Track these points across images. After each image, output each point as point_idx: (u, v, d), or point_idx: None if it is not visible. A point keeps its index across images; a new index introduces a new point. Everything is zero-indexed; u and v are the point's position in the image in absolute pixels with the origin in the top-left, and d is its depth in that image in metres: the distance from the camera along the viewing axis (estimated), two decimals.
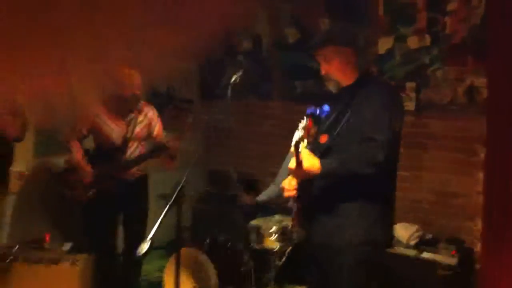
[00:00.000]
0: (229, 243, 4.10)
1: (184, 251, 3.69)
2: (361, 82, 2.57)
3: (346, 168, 2.35)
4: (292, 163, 2.33)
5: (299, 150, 2.22)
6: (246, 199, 4.60)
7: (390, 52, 4.44)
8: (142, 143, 3.87)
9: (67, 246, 3.87)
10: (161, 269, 4.88)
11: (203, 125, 5.89)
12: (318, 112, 2.14)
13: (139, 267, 4.06)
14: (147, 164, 3.89)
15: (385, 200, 2.58)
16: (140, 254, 2.25)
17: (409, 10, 4.31)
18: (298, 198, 2.50)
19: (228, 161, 5.39)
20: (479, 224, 4.02)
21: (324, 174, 2.33)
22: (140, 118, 3.83)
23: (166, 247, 5.27)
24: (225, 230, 4.16)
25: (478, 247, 3.98)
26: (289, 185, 2.54)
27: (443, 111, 4.18)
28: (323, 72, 2.56)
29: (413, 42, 4.34)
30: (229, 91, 2.75)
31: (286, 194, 2.57)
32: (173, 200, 2.46)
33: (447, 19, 4.12)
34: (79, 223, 3.91)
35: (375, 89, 2.53)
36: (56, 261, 3.60)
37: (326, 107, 2.17)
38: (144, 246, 2.26)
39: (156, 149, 3.81)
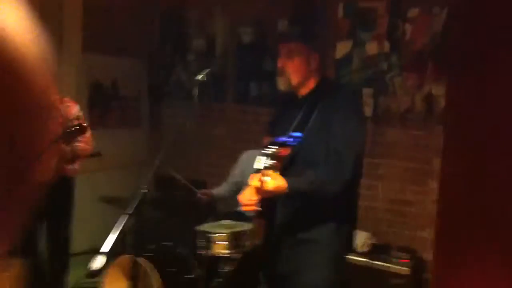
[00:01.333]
0: (176, 249, 3.89)
1: (125, 257, 3.46)
2: (322, 89, 2.46)
3: (314, 188, 2.25)
4: (255, 182, 2.18)
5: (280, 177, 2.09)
6: (201, 195, 4.38)
7: (348, 57, 4.34)
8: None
9: None
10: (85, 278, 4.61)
11: (148, 125, 5.68)
12: (290, 140, 2.00)
13: (64, 273, 3.80)
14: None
15: (350, 214, 2.50)
16: (95, 269, 1.99)
17: (369, 15, 4.23)
18: (261, 214, 2.33)
19: (178, 164, 5.17)
20: (431, 234, 3.97)
21: (291, 194, 2.22)
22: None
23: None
24: (171, 236, 3.94)
25: (430, 257, 3.94)
26: (247, 200, 2.38)
27: (400, 119, 4.11)
28: (280, 64, 2.43)
29: (372, 48, 4.26)
30: (196, 90, 2.56)
31: (245, 209, 2.42)
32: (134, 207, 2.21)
33: (408, 26, 4.06)
34: None
35: (340, 98, 2.43)
36: None
37: (296, 134, 2.03)
38: (99, 261, 2.01)
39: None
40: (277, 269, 2.57)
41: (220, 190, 4.44)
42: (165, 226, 4.14)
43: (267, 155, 2.03)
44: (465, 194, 3.72)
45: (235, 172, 4.47)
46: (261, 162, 2.07)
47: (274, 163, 2.01)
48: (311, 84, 2.46)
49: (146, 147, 5.48)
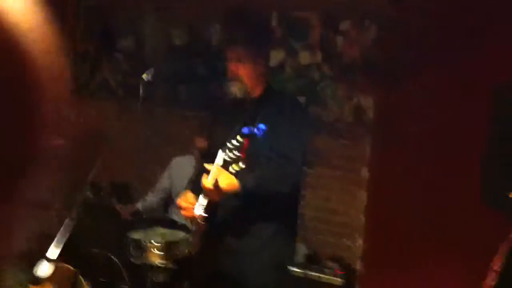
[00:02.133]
0: (104, 257, 3.76)
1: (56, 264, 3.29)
2: (268, 94, 2.48)
3: (263, 187, 2.24)
4: (208, 182, 2.13)
5: (230, 171, 2.03)
6: (123, 211, 4.28)
7: (281, 65, 4.39)
8: None
9: None
10: (22, 284, 4.38)
11: (72, 127, 5.45)
12: (256, 131, 1.97)
13: None
14: None
15: (292, 222, 2.52)
16: (42, 275, 1.89)
17: (302, 25, 4.30)
18: (205, 218, 2.29)
19: (103, 168, 5.00)
20: (358, 242, 4.10)
21: (241, 193, 2.19)
22: None
23: (24, 258, 4.76)
24: (100, 243, 3.81)
25: (358, 265, 4.05)
26: (186, 203, 2.34)
27: (330, 128, 4.21)
28: (231, 70, 2.44)
29: (304, 58, 4.33)
30: (140, 90, 2.48)
31: (184, 213, 2.38)
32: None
33: (339, 38, 4.17)
34: None
35: (286, 103, 2.46)
36: None
37: (262, 126, 2.01)
38: (46, 267, 1.90)
39: None
40: (216, 280, 2.53)
41: (145, 203, 4.37)
42: (95, 233, 3.99)
43: (230, 148, 1.99)
44: (392, 203, 3.88)
45: (163, 179, 4.40)
46: (220, 156, 2.02)
47: (238, 155, 1.97)
48: (257, 91, 2.49)
49: (66, 150, 5.26)
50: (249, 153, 2.04)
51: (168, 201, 4.41)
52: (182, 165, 4.29)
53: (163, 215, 4.48)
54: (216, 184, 2.10)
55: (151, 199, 4.33)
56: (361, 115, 4.12)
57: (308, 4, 4.26)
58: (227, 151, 2.00)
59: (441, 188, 3.71)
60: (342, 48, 4.17)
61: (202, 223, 2.30)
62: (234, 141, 1.99)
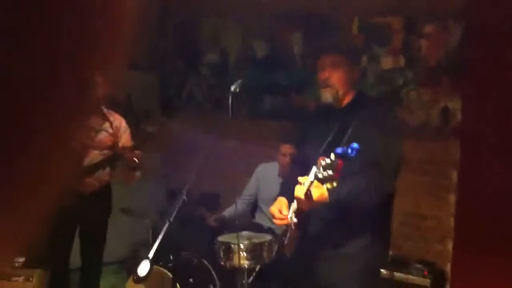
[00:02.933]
0: (195, 261, 3.90)
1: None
2: (360, 101, 2.49)
3: (353, 197, 2.22)
4: (300, 193, 2.17)
5: (326, 188, 2.05)
6: (209, 219, 4.43)
7: (363, 72, 4.39)
8: (105, 152, 3.63)
9: (20, 260, 3.56)
10: (115, 285, 4.63)
11: (163, 139, 5.72)
12: (349, 152, 1.98)
13: (97, 282, 3.79)
14: (109, 177, 3.68)
15: (384, 227, 2.52)
16: (142, 275, 2.03)
17: (384, 30, 4.30)
18: (297, 225, 2.34)
19: (190, 179, 5.19)
20: (449, 246, 4.00)
21: (332, 203, 2.20)
22: (105, 125, 3.60)
23: (119, 263, 5.03)
24: (190, 247, 3.95)
25: (448, 268, 3.96)
26: (279, 213, 2.40)
27: (416, 133, 4.15)
28: (324, 76, 2.45)
29: (386, 63, 4.32)
30: (229, 101, 2.58)
31: (277, 222, 2.43)
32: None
33: (423, 41, 4.12)
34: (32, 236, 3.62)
35: (377, 110, 2.45)
36: (8, 277, 3.31)
37: (355, 145, 1.98)
38: (146, 267, 2.04)
39: (112, 159, 3.57)
40: (309, 283, 2.55)
41: (231, 209, 4.48)
42: (184, 238, 4.14)
43: (324, 166, 1.99)
44: (482, 207, 3.76)
45: (250, 185, 4.51)
46: (313, 172, 2.02)
47: (332, 174, 1.97)
48: (349, 97, 2.48)
49: (158, 161, 5.51)
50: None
51: (255, 206, 4.52)
52: (268, 171, 4.39)
53: (250, 220, 4.58)
54: (308, 195, 2.13)
55: (238, 205, 4.43)
56: (448, 118, 4.04)
57: (389, 8, 4.25)
58: (321, 169, 1.99)
59: None
60: (426, 52, 4.12)
61: (293, 228, 2.34)
62: (328, 160, 1.97)
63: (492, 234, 3.73)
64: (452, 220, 3.96)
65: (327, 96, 2.46)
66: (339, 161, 1.93)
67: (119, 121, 3.67)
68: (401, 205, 4.19)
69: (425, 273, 3.66)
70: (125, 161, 3.51)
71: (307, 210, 2.27)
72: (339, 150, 1.94)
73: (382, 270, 3.73)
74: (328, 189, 2.02)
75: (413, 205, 4.20)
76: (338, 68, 2.43)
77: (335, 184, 1.97)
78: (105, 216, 3.73)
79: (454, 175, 3.97)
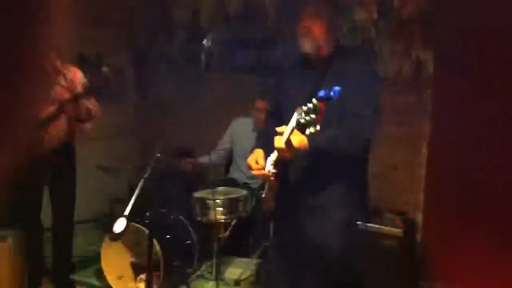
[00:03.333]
0: (172, 216, 3.93)
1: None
2: (337, 52, 2.46)
3: (333, 146, 2.22)
4: (280, 143, 2.15)
5: (305, 133, 2.03)
6: (182, 162, 4.41)
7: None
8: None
9: None
10: (93, 243, 4.65)
11: (134, 96, 5.65)
12: (332, 94, 1.94)
13: (70, 241, 3.78)
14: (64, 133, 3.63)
15: (364, 179, 2.54)
16: (117, 232, 2.02)
17: None
18: (276, 176, 2.33)
19: (164, 135, 5.17)
20: (420, 196, 4.09)
21: (311, 151, 2.19)
22: (58, 78, 3.45)
23: (97, 221, 5.03)
24: (167, 204, 3.97)
25: (419, 218, 4.05)
26: (255, 163, 2.39)
27: (389, 85, 4.17)
28: (305, 26, 2.40)
29: (359, 14, 4.29)
30: (202, 57, 2.52)
31: (255, 173, 2.42)
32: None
33: None
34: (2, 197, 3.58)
35: (356, 60, 2.43)
36: None
37: (337, 88, 1.96)
38: (121, 224, 2.04)
39: (62, 108, 3.43)
40: (287, 235, 2.58)
41: (206, 158, 4.47)
42: (159, 193, 4.17)
43: (306, 111, 1.97)
44: (454, 157, 3.83)
45: (225, 138, 4.51)
46: (295, 118, 2.00)
47: (315, 117, 1.95)
48: (329, 47, 2.45)
49: (132, 117, 5.46)
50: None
51: (229, 160, 4.53)
52: (243, 126, 4.39)
53: (225, 174, 4.61)
54: (289, 143, 2.12)
55: (212, 155, 4.43)
56: (421, 69, 4.06)
57: None
58: (302, 114, 1.97)
59: (504, 141, 3.63)
60: (398, 3, 4.10)
61: (272, 179, 2.34)
62: (310, 105, 1.95)
63: (462, 184, 3.81)
64: (423, 170, 4.04)
65: (307, 46, 2.42)
66: (322, 104, 1.91)
67: (73, 73, 3.53)
68: (374, 156, 4.26)
69: (396, 221, 3.73)
70: (78, 109, 3.42)
71: (290, 158, 2.26)
72: (321, 93, 1.92)
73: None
74: (311, 134, 2.00)
75: (385, 156, 4.25)
76: (318, 18, 2.40)
77: (318, 127, 1.94)
78: (71, 175, 3.68)
79: (426, 126, 4.02)
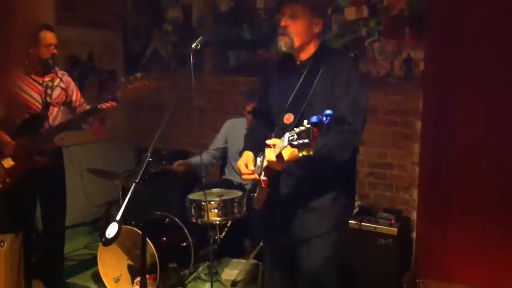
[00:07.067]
0: (167, 219, 3.93)
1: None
2: (322, 54, 2.44)
3: (323, 154, 2.19)
4: (271, 155, 2.14)
5: (300, 155, 1.98)
6: (175, 164, 4.41)
7: (327, 23, 4.37)
8: (61, 108, 3.59)
9: None
10: (87, 246, 4.65)
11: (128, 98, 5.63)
12: (324, 119, 1.92)
13: (61, 244, 3.78)
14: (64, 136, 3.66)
15: (351, 181, 2.56)
16: (110, 237, 2.02)
17: None
18: (268, 183, 2.34)
19: (156, 138, 5.15)
20: (414, 194, 4.11)
21: (302, 162, 2.18)
22: (56, 81, 3.53)
23: (93, 224, 5.03)
24: (161, 206, 3.98)
25: (414, 216, 4.08)
26: (245, 167, 2.40)
27: (380, 84, 4.19)
28: (283, 23, 2.40)
29: (350, 13, 4.30)
30: (191, 59, 2.51)
31: (244, 177, 2.43)
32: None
33: None
34: None
35: (340, 63, 2.39)
36: None
37: (328, 112, 1.90)
38: (113, 229, 2.04)
39: (91, 111, 3.52)
40: (281, 238, 2.56)
41: (198, 158, 4.45)
42: (154, 197, 4.17)
43: (298, 133, 1.92)
44: (445, 155, 3.85)
45: (218, 139, 4.50)
46: (287, 138, 1.96)
47: (309, 142, 1.90)
48: (311, 49, 2.44)
49: (123, 120, 5.45)
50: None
51: (224, 162, 4.53)
52: (236, 127, 4.38)
53: (219, 176, 4.61)
54: (279, 156, 2.11)
55: (203, 155, 4.42)
56: (412, 68, 4.08)
57: None
58: (295, 136, 1.93)
59: (495, 138, 3.66)
60: (388, 1, 4.11)
61: (263, 185, 2.34)
62: (302, 127, 1.91)
63: (455, 181, 3.84)
64: (417, 168, 4.06)
65: (281, 44, 2.42)
66: (315, 129, 1.89)
67: (66, 76, 3.62)
68: (367, 156, 4.29)
69: (392, 222, 3.75)
70: (101, 113, 3.47)
71: (281, 170, 2.28)
72: (314, 118, 1.88)
73: (350, 221, 3.82)
74: (304, 156, 1.99)
75: (379, 155, 4.27)
76: (297, 18, 2.39)
77: (311, 152, 1.92)
78: (60, 180, 3.69)
79: (418, 125, 4.04)
